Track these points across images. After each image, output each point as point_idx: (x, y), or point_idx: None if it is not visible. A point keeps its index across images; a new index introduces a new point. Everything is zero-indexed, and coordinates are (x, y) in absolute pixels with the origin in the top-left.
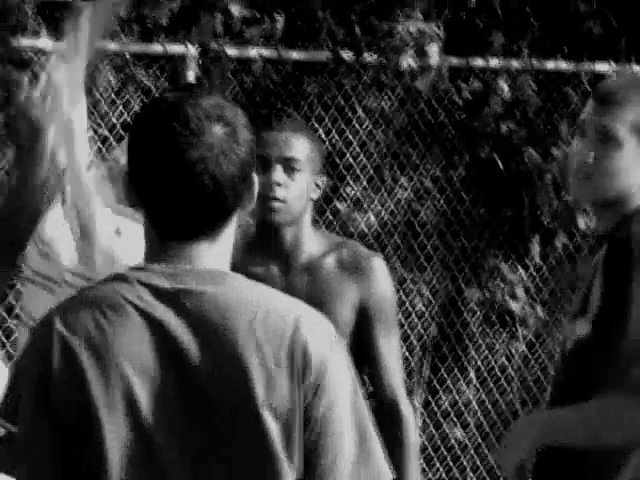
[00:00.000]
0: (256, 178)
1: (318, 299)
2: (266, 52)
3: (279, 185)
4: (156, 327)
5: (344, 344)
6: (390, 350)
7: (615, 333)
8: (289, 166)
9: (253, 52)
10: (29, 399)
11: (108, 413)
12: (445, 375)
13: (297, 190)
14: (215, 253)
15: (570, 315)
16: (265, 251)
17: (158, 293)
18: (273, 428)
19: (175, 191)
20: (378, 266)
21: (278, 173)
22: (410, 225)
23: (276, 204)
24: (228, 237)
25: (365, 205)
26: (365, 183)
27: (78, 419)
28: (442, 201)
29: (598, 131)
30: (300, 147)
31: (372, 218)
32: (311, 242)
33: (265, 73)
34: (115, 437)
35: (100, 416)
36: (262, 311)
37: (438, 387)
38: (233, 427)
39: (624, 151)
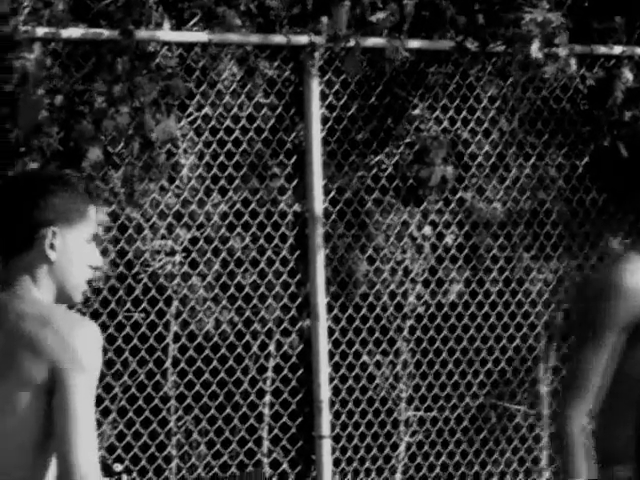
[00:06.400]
0: None
1: None
2: (391, 41)
3: None
4: None
5: None
6: None
7: None
8: None
9: (378, 41)
10: None
11: None
12: None
13: None
14: None
15: None
16: None
17: None
18: None
19: None
20: None
21: None
22: (535, 214)
23: None
24: None
25: (490, 194)
26: (489, 172)
27: None
28: (567, 190)
29: None
30: None
31: (498, 207)
32: None
33: (390, 62)
34: None
35: None
36: None
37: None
38: None
39: None
